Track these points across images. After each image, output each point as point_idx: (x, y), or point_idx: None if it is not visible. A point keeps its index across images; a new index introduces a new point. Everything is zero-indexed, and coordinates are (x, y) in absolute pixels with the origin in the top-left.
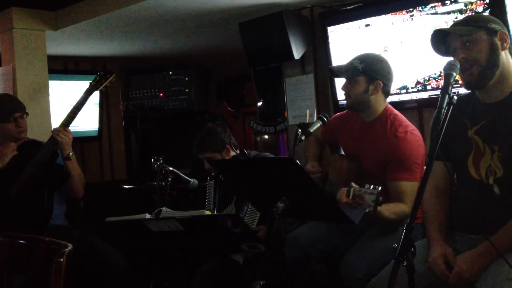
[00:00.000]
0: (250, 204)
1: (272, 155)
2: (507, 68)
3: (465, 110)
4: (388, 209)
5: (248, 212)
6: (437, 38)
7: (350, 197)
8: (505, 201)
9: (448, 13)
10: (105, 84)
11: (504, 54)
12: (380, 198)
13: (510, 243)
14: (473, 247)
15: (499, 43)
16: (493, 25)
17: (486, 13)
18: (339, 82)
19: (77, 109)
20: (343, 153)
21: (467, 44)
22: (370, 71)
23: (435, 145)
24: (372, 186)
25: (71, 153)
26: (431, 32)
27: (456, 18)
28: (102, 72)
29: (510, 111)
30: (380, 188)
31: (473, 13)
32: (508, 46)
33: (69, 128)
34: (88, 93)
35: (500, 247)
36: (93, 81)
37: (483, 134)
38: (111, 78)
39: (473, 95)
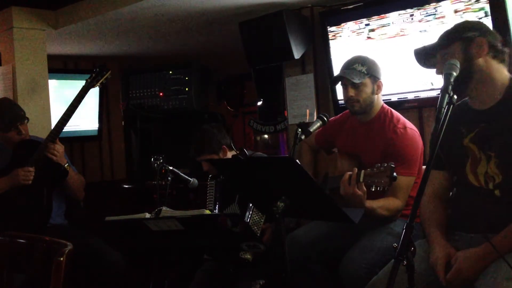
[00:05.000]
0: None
1: (265, 155)
2: (489, 74)
3: (460, 118)
4: (381, 206)
5: (253, 212)
6: (419, 55)
7: (361, 179)
8: (506, 201)
9: (448, 12)
10: (101, 80)
11: (483, 61)
12: (394, 174)
13: (510, 245)
14: (472, 245)
15: (474, 51)
16: (470, 34)
17: (486, 13)
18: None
19: (71, 111)
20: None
21: (445, 56)
22: (373, 71)
23: (433, 152)
24: (384, 164)
25: (66, 165)
26: (415, 49)
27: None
28: (98, 69)
29: (502, 117)
30: (393, 164)
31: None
32: (486, 52)
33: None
34: (84, 90)
35: (501, 248)
36: (89, 78)
37: (478, 141)
38: (107, 74)
39: (465, 103)
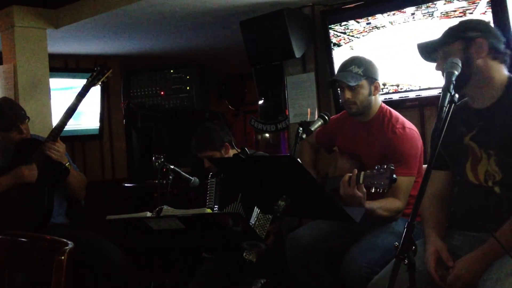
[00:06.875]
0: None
1: (267, 154)
2: (488, 74)
3: (460, 117)
4: (382, 207)
5: (260, 213)
6: (422, 50)
7: (361, 181)
8: (506, 198)
9: (449, 12)
10: (102, 79)
11: (482, 61)
12: (394, 175)
13: None
14: (475, 244)
15: (474, 52)
16: (471, 34)
17: (488, 13)
18: None
19: (72, 110)
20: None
21: (446, 53)
22: (370, 73)
23: (434, 150)
24: (384, 166)
25: (67, 164)
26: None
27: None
28: (99, 68)
29: (501, 116)
30: (392, 166)
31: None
32: (486, 54)
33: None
34: (85, 89)
35: (505, 243)
36: (90, 77)
37: (478, 139)
38: (108, 73)
39: (465, 103)
